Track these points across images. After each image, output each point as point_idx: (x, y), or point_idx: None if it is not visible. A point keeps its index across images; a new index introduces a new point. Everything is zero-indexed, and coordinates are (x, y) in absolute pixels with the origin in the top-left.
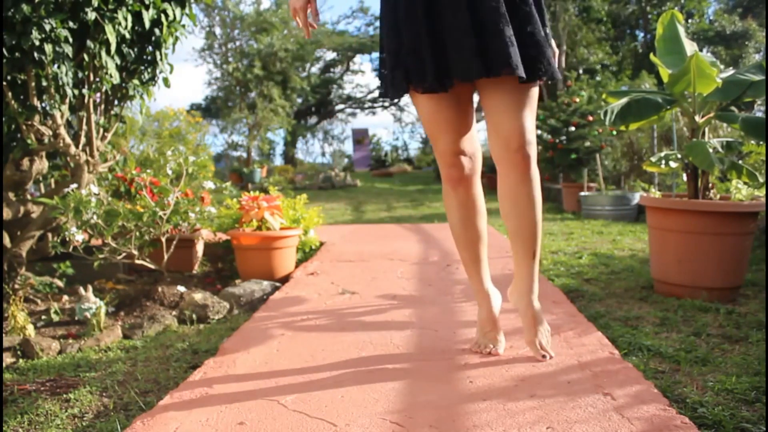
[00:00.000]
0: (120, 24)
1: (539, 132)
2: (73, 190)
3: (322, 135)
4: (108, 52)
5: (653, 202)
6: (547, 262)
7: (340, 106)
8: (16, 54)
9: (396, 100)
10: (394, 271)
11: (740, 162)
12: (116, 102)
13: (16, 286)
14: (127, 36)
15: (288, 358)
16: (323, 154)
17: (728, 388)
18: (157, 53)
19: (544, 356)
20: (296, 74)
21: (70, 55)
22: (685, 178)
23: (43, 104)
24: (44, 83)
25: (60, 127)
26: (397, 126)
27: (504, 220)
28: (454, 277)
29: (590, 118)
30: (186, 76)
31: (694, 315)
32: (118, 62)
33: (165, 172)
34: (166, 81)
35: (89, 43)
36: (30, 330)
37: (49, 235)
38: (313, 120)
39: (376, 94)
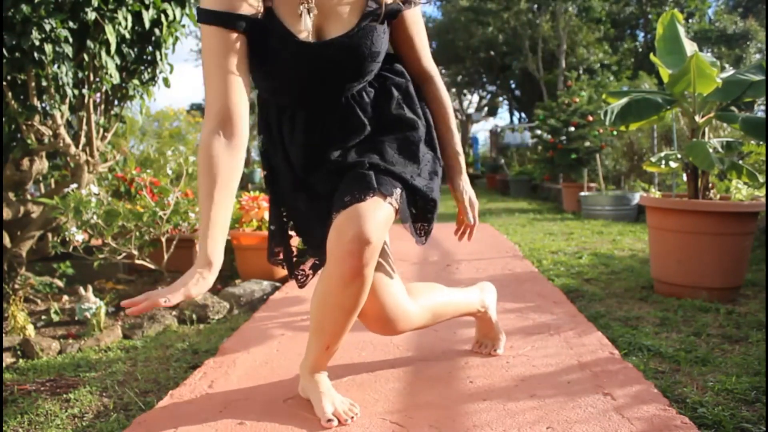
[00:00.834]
0: (120, 24)
1: (539, 132)
2: (73, 190)
3: None
4: (108, 52)
5: (653, 202)
6: (547, 262)
7: None
8: (16, 54)
9: None
10: None
11: (740, 162)
12: (116, 102)
13: (16, 286)
14: (127, 36)
15: (288, 358)
16: None
17: (728, 388)
18: (157, 53)
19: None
20: None
21: (70, 55)
22: (685, 178)
23: (43, 104)
24: (44, 83)
25: (60, 127)
26: None
27: (311, 306)
28: (454, 277)
29: (590, 118)
30: (186, 76)
31: (694, 315)
32: (118, 62)
33: (165, 172)
34: (166, 81)
35: (89, 43)
36: (30, 330)
37: (49, 235)
38: None
39: None
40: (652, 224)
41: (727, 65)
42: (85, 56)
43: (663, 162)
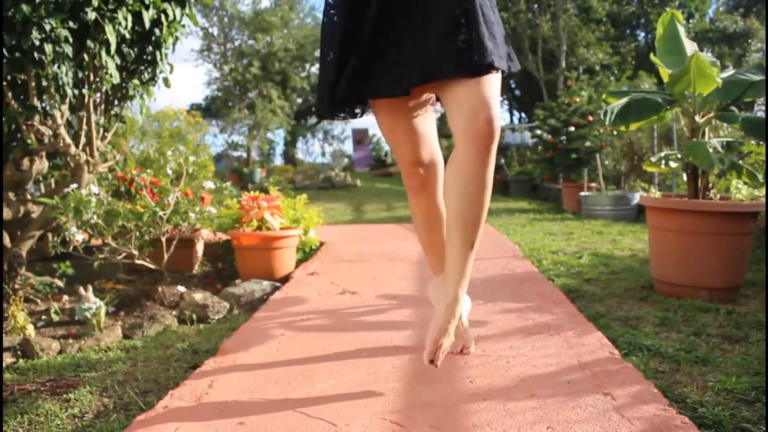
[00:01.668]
0: (120, 24)
1: (539, 132)
2: (73, 190)
3: (322, 135)
4: (108, 52)
5: (653, 202)
6: (547, 262)
7: None
8: (16, 54)
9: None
10: (394, 271)
11: (740, 162)
12: (116, 102)
13: (16, 286)
14: (127, 36)
15: (288, 358)
16: (323, 154)
17: (728, 388)
18: (157, 53)
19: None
20: (296, 74)
21: (70, 55)
22: (685, 178)
23: (43, 104)
24: (44, 83)
25: (60, 127)
26: None
27: (446, 200)
28: None
29: (590, 118)
30: (186, 76)
31: (694, 315)
32: (118, 62)
33: (165, 172)
34: (166, 81)
35: (89, 43)
36: (30, 330)
37: (49, 235)
38: (313, 120)
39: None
40: (652, 224)
41: (729, 65)
42: (85, 56)
43: (663, 162)
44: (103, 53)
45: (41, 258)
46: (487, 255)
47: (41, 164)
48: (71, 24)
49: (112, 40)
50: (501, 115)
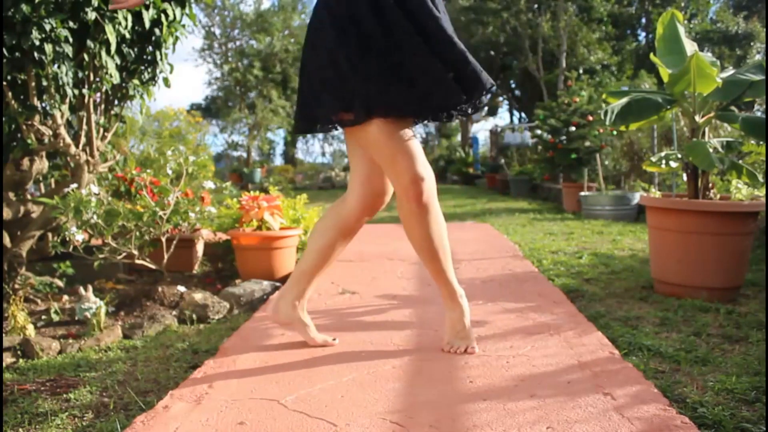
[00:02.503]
0: (120, 24)
1: (539, 132)
2: (73, 190)
3: (322, 135)
4: (108, 52)
5: (653, 202)
6: (547, 262)
7: None
8: (16, 54)
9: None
10: (394, 271)
11: (740, 162)
12: (116, 102)
13: (16, 286)
14: (127, 36)
15: (288, 358)
16: (323, 154)
17: (728, 388)
18: (157, 53)
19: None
20: (296, 74)
21: (70, 55)
22: (685, 178)
23: (43, 104)
24: (44, 83)
25: (60, 127)
26: None
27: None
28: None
29: (590, 118)
30: (186, 76)
31: (694, 315)
32: (118, 62)
33: (165, 172)
34: (166, 81)
35: (89, 43)
36: (30, 330)
37: (49, 235)
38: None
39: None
40: (652, 224)
41: (729, 65)
42: (85, 56)
43: (663, 162)
44: (103, 53)
45: (41, 258)
46: (487, 255)
47: (41, 164)
48: (71, 24)
49: (112, 39)
50: (501, 114)
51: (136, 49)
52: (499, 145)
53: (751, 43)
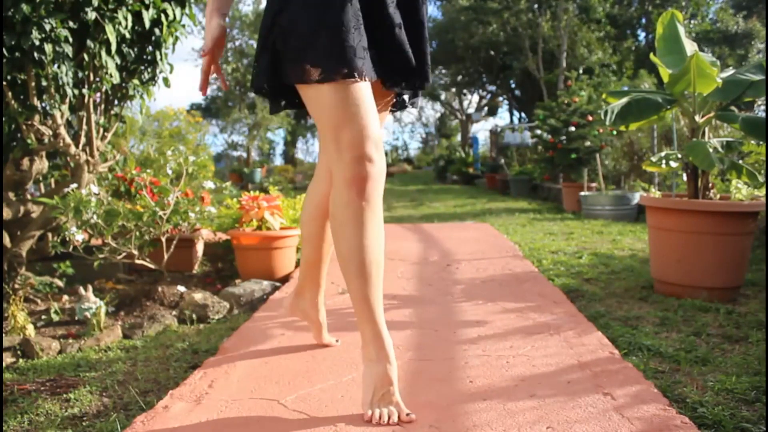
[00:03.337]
0: (120, 24)
1: (539, 132)
2: (73, 190)
3: None
4: (108, 52)
5: (653, 202)
6: (547, 262)
7: None
8: (16, 54)
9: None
10: (394, 271)
11: (740, 162)
12: (116, 102)
13: (16, 286)
14: (127, 36)
15: (288, 358)
16: None
17: (728, 388)
18: (157, 53)
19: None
20: None
21: (70, 54)
22: (685, 178)
23: (43, 104)
24: (44, 83)
25: (60, 127)
26: (397, 126)
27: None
28: (454, 277)
29: (590, 118)
30: (186, 76)
31: (694, 315)
32: (118, 62)
33: (165, 171)
34: (166, 81)
35: (89, 43)
36: (30, 330)
37: (49, 235)
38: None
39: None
40: (652, 224)
41: (730, 65)
42: (85, 56)
43: (663, 162)
44: (103, 53)
45: (41, 258)
46: (487, 255)
47: (41, 164)
48: (71, 24)
49: (113, 39)
50: (501, 114)
51: (136, 49)
52: (499, 145)
53: (752, 42)
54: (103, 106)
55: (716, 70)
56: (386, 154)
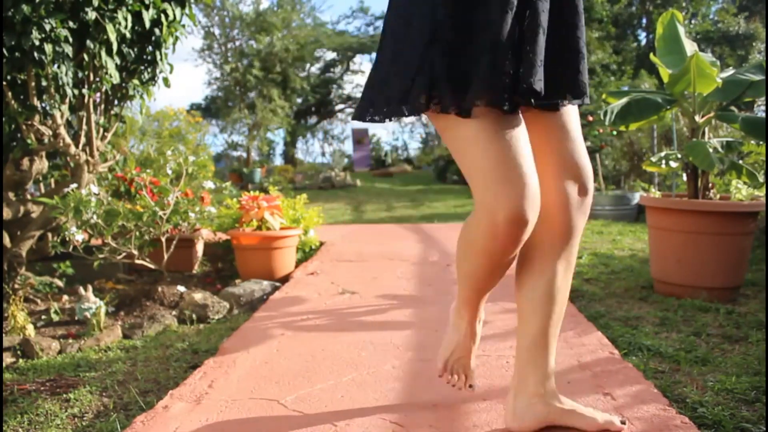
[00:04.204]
0: (120, 24)
1: None
2: (73, 190)
3: (322, 135)
4: (108, 52)
5: (653, 202)
6: None
7: (340, 106)
8: (16, 54)
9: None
10: (394, 271)
11: (740, 162)
12: (116, 102)
13: (16, 286)
14: (127, 36)
15: (288, 358)
16: (323, 154)
17: (728, 388)
18: (157, 53)
19: None
20: (296, 74)
21: (70, 55)
22: (685, 178)
23: (43, 104)
24: (44, 83)
25: (60, 127)
26: (397, 126)
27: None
28: (455, 278)
29: (590, 118)
30: (186, 76)
31: (694, 315)
32: (118, 62)
33: (165, 171)
34: (166, 81)
35: (89, 43)
36: (30, 330)
37: (49, 235)
38: (313, 120)
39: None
40: (652, 224)
41: (730, 65)
42: (85, 56)
43: (663, 162)
44: (103, 53)
45: (41, 258)
46: None
47: (41, 164)
48: (71, 24)
49: (113, 39)
50: None
51: (136, 49)
52: None
53: (753, 44)
54: (103, 106)
55: (716, 70)
56: (386, 154)
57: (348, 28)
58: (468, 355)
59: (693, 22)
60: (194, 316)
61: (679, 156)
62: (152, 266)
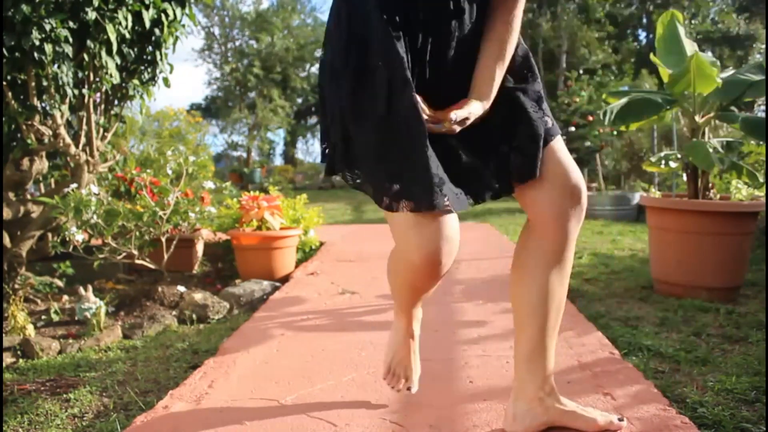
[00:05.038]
0: (120, 24)
1: None
2: (73, 190)
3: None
4: (108, 52)
5: (653, 202)
6: None
7: None
8: (16, 54)
9: None
10: None
11: (740, 162)
12: (116, 102)
13: (16, 286)
14: (127, 36)
15: (288, 358)
16: None
17: (728, 388)
18: (157, 53)
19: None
20: (296, 74)
21: (70, 55)
22: (685, 178)
23: (43, 104)
24: (44, 83)
25: (60, 127)
26: None
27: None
28: (454, 277)
29: (590, 118)
30: (186, 76)
31: (694, 315)
32: (118, 62)
33: (165, 172)
34: (166, 81)
35: (89, 43)
36: (30, 330)
37: (49, 235)
38: (313, 120)
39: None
40: (652, 224)
41: (730, 65)
42: (85, 56)
43: (663, 162)
44: (103, 53)
45: (41, 258)
46: (487, 255)
47: (41, 164)
48: (71, 24)
49: (113, 39)
50: None
51: (136, 49)
52: None
53: (753, 45)
54: (103, 106)
55: (716, 70)
56: None
57: None
58: (409, 355)
59: (693, 22)
60: (194, 316)
61: (679, 156)
62: (152, 266)
